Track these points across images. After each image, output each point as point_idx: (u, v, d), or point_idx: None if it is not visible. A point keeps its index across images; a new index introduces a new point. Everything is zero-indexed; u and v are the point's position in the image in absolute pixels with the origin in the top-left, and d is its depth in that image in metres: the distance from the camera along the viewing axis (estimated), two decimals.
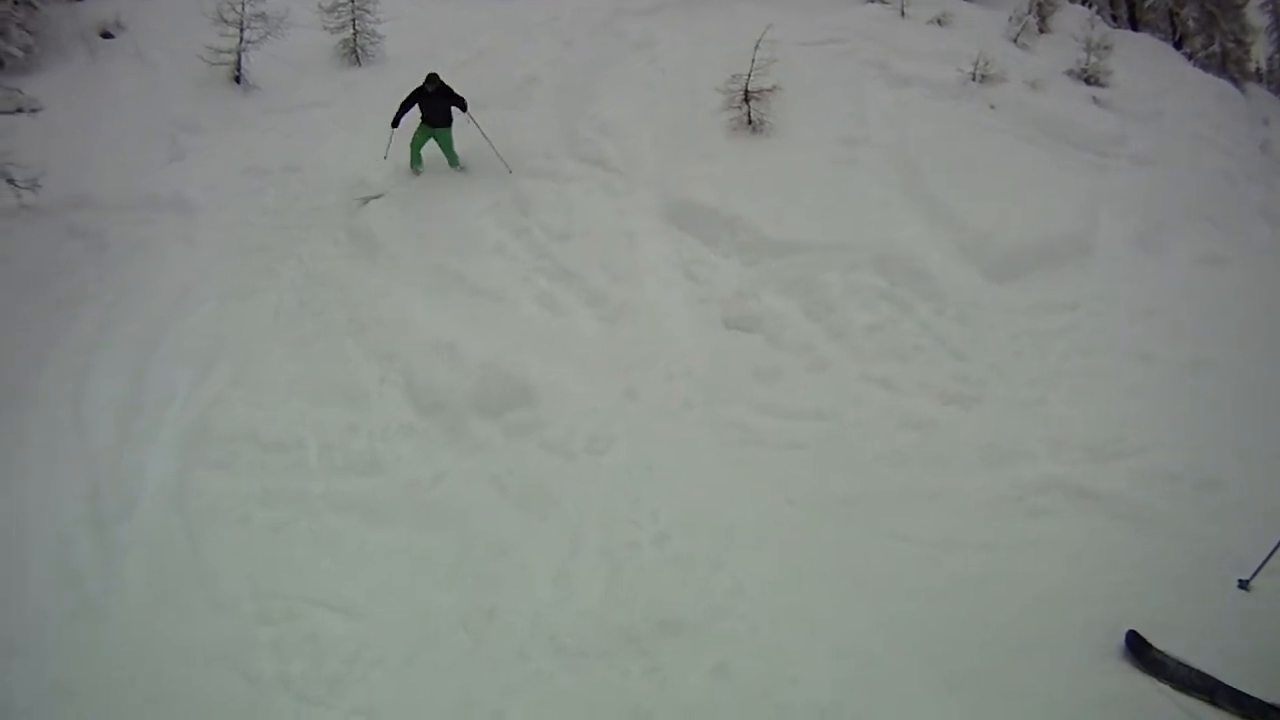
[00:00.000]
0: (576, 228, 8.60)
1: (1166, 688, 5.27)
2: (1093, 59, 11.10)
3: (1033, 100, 10.32)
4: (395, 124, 9.67)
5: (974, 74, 10.40)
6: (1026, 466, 6.69)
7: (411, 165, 9.96)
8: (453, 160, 9.99)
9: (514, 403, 7.17)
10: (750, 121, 9.60)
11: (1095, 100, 10.73)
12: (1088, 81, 11.04)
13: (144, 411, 7.50)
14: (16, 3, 11.20)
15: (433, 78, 9.59)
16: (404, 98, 9.63)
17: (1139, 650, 5.43)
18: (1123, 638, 5.47)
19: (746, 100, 9.58)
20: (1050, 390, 7.27)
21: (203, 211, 9.25)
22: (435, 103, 9.68)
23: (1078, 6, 14.02)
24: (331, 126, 10.23)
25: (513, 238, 8.56)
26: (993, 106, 10.13)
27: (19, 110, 8.93)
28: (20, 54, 10.92)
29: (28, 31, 11.09)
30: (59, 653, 5.98)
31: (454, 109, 9.74)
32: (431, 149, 9.88)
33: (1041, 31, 12.07)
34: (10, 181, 8.69)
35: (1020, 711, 5.17)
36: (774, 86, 9.51)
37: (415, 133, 9.91)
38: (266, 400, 7.40)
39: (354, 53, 11.32)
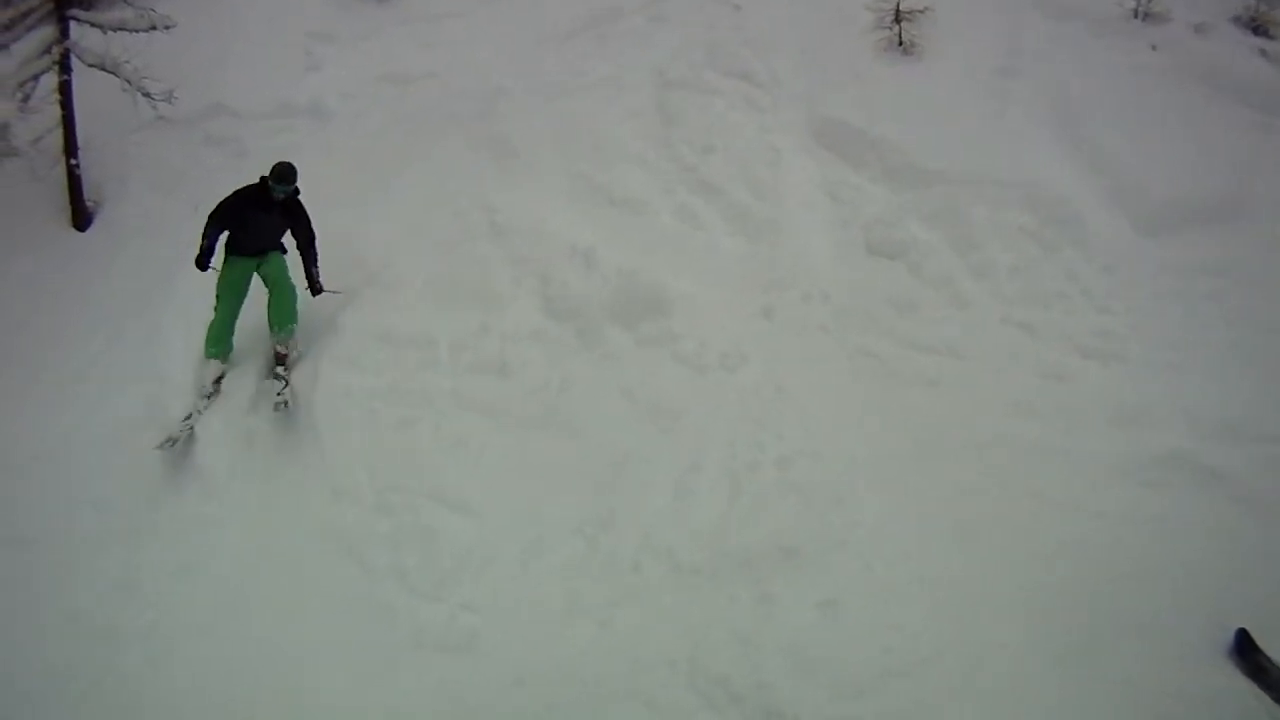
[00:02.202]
0: (718, 142, 8.39)
1: (1265, 696, 4.95)
2: (1262, 7, 10.29)
3: (1196, 45, 9.64)
4: (204, 264, 6.69)
5: (1136, 11, 9.79)
6: (1154, 435, 6.34)
7: (207, 349, 6.81)
8: (286, 318, 6.88)
9: (649, 313, 7.06)
10: (901, 43, 9.23)
11: (1263, 53, 9.94)
12: (1255, 31, 10.23)
13: None
14: None
15: (284, 173, 6.50)
16: (214, 210, 6.64)
17: (1245, 651, 5.09)
18: (1228, 631, 5.15)
19: (898, 20, 9.22)
20: (1188, 358, 6.85)
21: (339, 118, 9.33)
22: (267, 222, 6.74)
23: None
24: (469, 35, 10.11)
25: (654, 149, 8.41)
26: (1154, 47, 9.49)
27: (152, 28, 9.04)
28: None
29: None
30: (185, 536, 6.25)
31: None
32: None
33: None
34: (146, 95, 8.92)
35: (1116, 695, 4.96)
36: (926, 8, 9.14)
37: (221, 275, 6.75)
38: (400, 299, 7.45)
39: None
